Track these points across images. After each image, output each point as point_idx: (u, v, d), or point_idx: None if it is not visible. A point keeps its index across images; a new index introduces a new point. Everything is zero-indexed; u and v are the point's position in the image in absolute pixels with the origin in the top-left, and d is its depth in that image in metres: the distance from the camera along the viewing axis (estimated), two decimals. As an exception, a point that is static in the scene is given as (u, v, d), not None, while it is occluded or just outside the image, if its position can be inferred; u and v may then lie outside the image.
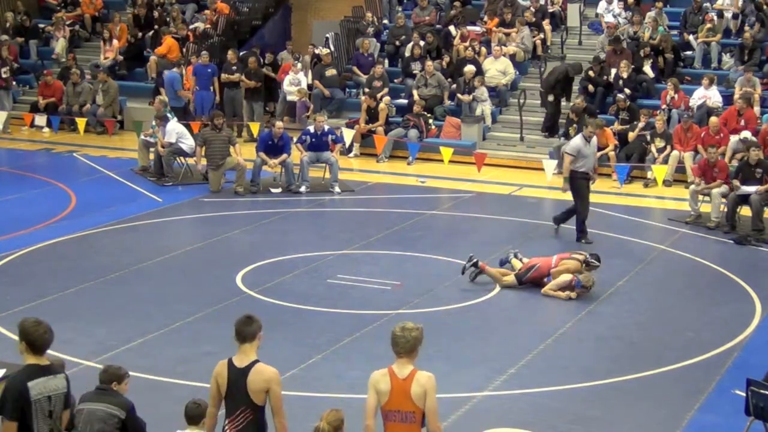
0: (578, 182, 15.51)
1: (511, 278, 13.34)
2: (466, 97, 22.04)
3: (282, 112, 23.24)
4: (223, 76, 23.26)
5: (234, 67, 23.29)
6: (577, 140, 15.64)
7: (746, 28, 22.67)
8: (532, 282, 13.25)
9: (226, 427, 6.93)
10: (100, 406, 7.63)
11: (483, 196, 18.72)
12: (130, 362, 9.53)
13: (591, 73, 21.92)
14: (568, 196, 18.79)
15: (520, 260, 13.58)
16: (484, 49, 23.29)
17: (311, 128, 19.02)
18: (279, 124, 18.90)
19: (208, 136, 18.32)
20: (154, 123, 19.70)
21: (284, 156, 18.48)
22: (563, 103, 21.69)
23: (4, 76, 23.83)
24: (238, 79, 23.15)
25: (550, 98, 21.70)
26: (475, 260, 13.51)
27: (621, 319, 12.40)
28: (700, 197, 16.75)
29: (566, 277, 12.97)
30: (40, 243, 14.95)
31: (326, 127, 19.04)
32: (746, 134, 18.79)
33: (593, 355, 11.28)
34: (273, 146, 18.54)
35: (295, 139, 19.00)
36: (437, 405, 6.71)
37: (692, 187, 16.94)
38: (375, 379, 6.88)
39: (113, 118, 23.57)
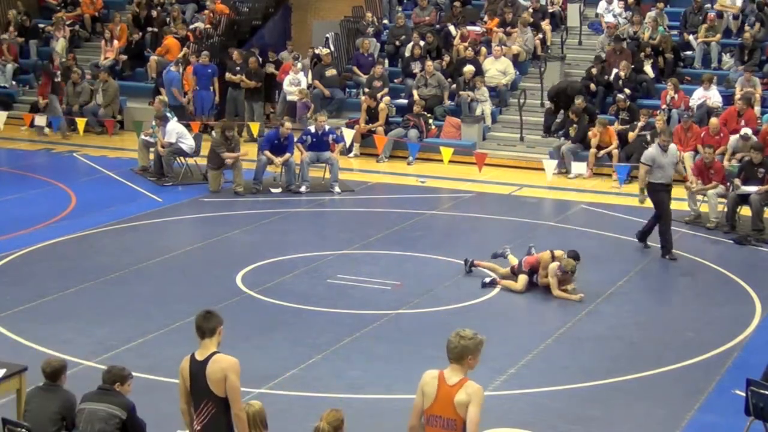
0: (658, 194, 14.82)
1: (517, 284, 13.31)
2: (466, 93, 22.02)
3: (282, 112, 23.25)
4: (227, 75, 23.26)
5: (238, 68, 23.30)
6: (651, 149, 14.94)
7: (746, 28, 22.67)
8: (529, 273, 13.26)
9: (195, 423, 6.97)
10: (101, 407, 7.65)
11: (483, 196, 18.72)
12: (130, 362, 9.53)
13: (593, 71, 21.92)
14: (571, 196, 18.85)
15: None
16: (484, 49, 23.28)
17: (312, 128, 19.04)
18: (288, 124, 18.89)
19: (218, 143, 18.32)
20: (154, 123, 19.70)
21: (287, 155, 18.50)
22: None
23: (57, 79, 23.42)
24: (239, 80, 23.15)
25: (548, 104, 21.74)
26: (470, 261, 13.82)
27: (621, 319, 12.40)
28: (699, 197, 16.75)
29: (554, 265, 12.98)
30: (40, 243, 14.95)
31: (327, 127, 19.08)
32: (746, 131, 18.79)
33: (593, 355, 11.28)
34: (278, 145, 18.57)
35: (296, 139, 19.01)
36: (480, 418, 6.55)
37: (687, 184, 16.93)
38: (424, 381, 6.75)
39: (113, 118, 23.57)
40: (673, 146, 15.09)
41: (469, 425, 6.55)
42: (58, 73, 23.46)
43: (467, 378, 6.68)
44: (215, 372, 6.83)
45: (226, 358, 6.90)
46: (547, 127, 21.60)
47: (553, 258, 13.09)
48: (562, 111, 21.39)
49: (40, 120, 23.62)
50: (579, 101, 20.64)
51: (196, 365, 6.91)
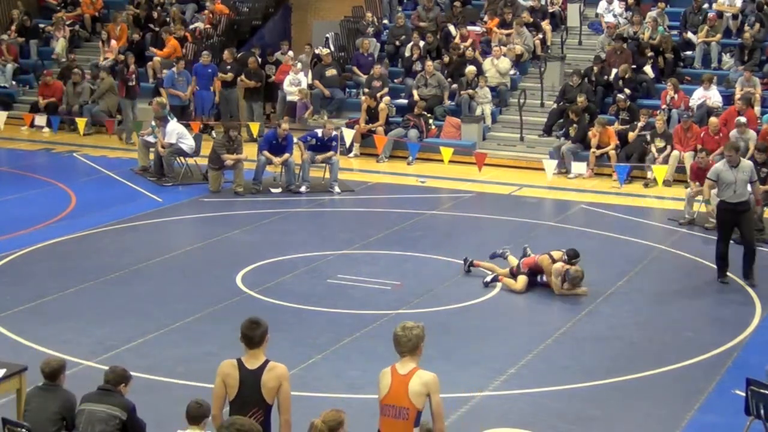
0: (719, 213, 13.74)
1: (517, 284, 13.28)
2: (467, 93, 22.00)
3: (282, 112, 23.26)
4: (219, 75, 23.26)
5: (228, 67, 23.28)
6: (718, 164, 13.89)
7: (746, 28, 22.66)
8: (528, 274, 13.25)
9: None
10: (102, 407, 7.63)
11: (483, 196, 18.72)
12: (130, 362, 9.53)
13: (595, 68, 21.93)
14: (571, 196, 18.83)
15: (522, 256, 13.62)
16: (472, 51, 23.16)
17: (319, 132, 19.06)
18: (285, 125, 18.93)
19: (221, 144, 18.32)
20: (153, 123, 19.70)
21: (287, 155, 18.51)
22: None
23: (131, 84, 22.87)
24: (232, 78, 23.13)
25: (550, 103, 21.80)
26: (470, 261, 13.80)
27: (621, 319, 12.39)
28: (699, 197, 16.72)
29: (558, 266, 12.99)
30: (40, 243, 14.95)
31: (334, 133, 19.14)
32: (740, 119, 18.88)
33: (593, 355, 11.27)
34: (276, 146, 18.58)
35: (297, 139, 19.04)
36: (443, 405, 6.79)
37: (688, 190, 16.92)
38: (378, 378, 6.97)
39: (110, 117, 23.57)
40: (746, 163, 13.73)
41: (435, 416, 6.78)
42: (134, 77, 22.95)
43: (418, 367, 6.86)
44: (271, 380, 6.80)
45: (280, 366, 6.88)
46: (548, 127, 21.58)
47: (553, 260, 13.09)
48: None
49: (40, 120, 23.64)
50: (581, 99, 20.65)
51: (248, 373, 6.83)
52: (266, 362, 6.86)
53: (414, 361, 6.87)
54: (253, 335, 6.86)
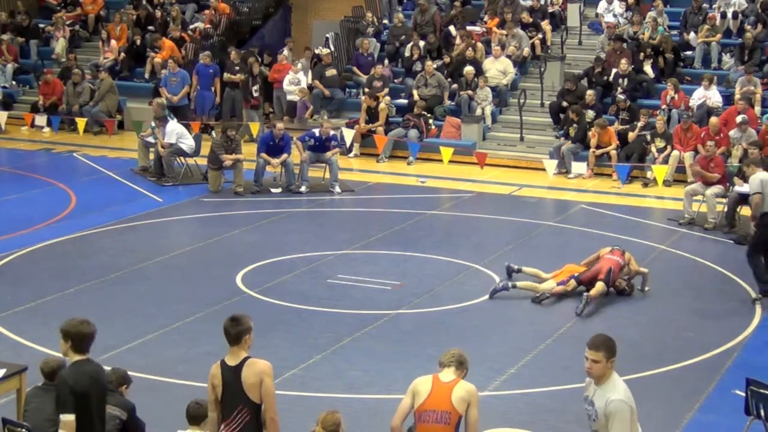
0: (759, 228, 13.33)
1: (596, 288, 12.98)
2: (467, 93, 22.00)
3: (280, 112, 23.25)
4: (226, 75, 23.25)
5: (237, 68, 23.29)
6: (758, 175, 13.24)
7: (747, 27, 22.66)
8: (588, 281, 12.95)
9: (223, 431, 6.79)
10: (101, 407, 7.63)
11: (483, 196, 18.72)
12: (130, 362, 9.53)
13: (596, 69, 21.93)
14: (571, 196, 18.81)
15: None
16: (480, 46, 23.18)
17: (317, 131, 19.05)
18: (280, 125, 18.94)
19: (219, 144, 18.33)
20: (153, 124, 19.70)
21: (285, 156, 18.51)
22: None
23: (255, 94, 22.70)
24: (240, 79, 23.14)
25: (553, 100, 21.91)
26: (509, 285, 13.07)
27: (621, 319, 12.39)
28: (699, 196, 16.73)
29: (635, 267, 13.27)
30: (40, 243, 14.95)
31: (332, 133, 19.13)
32: (742, 117, 18.90)
33: (593, 355, 11.25)
34: (274, 146, 18.57)
35: (296, 138, 19.03)
36: (478, 417, 7.10)
37: (687, 188, 16.93)
38: (416, 383, 7.09)
39: (110, 117, 23.57)
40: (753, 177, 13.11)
41: (473, 426, 6.93)
42: (256, 88, 22.75)
43: (461, 379, 7.05)
44: (250, 376, 6.70)
45: (261, 362, 6.78)
46: (554, 115, 21.58)
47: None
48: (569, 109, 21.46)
49: (41, 120, 23.64)
50: (590, 93, 20.71)
51: (229, 370, 6.77)
52: (246, 358, 6.78)
53: (455, 375, 7.08)
54: (231, 331, 6.81)
